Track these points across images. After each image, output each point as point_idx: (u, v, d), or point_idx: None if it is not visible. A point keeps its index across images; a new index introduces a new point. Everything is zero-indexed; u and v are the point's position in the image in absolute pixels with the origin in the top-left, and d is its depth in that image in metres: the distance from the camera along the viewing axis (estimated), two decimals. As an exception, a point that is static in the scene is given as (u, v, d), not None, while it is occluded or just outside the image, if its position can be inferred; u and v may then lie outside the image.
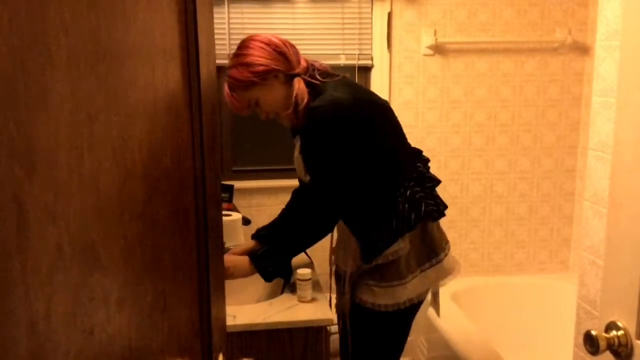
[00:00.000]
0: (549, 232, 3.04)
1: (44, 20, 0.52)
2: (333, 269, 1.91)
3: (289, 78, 1.65)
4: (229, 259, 1.70)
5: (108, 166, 0.64)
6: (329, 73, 1.71)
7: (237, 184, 2.50)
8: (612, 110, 1.22)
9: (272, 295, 1.86)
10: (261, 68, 1.61)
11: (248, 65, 1.61)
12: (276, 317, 1.61)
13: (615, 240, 1.10)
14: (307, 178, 1.70)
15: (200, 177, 0.95)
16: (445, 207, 1.75)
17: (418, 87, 2.79)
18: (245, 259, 1.70)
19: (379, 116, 1.67)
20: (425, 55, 2.76)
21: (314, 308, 1.68)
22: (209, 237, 0.99)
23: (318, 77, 1.66)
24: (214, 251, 1.03)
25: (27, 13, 0.49)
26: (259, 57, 1.61)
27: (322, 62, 1.78)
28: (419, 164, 1.73)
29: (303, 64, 1.67)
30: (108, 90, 0.64)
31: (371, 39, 2.76)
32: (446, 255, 1.74)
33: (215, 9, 2.56)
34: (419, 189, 1.66)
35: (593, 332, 1.09)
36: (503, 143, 2.91)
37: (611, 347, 1.09)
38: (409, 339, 2.84)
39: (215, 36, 2.30)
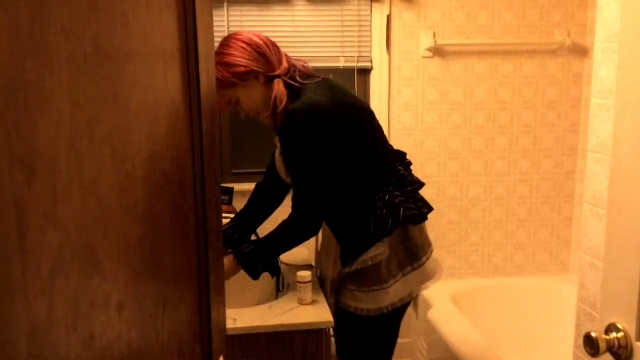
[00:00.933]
0: (549, 234, 3.04)
1: (44, 24, 0.52)
2: (318, 272, 1.91)
3: (269, 79, 1.63)
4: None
5: (108, 170, 0.64)
6: (310, 74, 1.70)
7: (237, 186, 2.50)
8: (611, 112, 1.22)
9: (271, 298, 1.86)
10: (241, 69, 1.59)
11: (228, 65, 1.59)
12: (276, 319, 1.60)
13: (614, 242, 1.10)
14: (288, 179, 1.70)
15: (199, 180, 0.95)
16: (429, 209, 1.74)
17: (417, 89, 2.79)
18: (229, 259, 1.70)
19: (358, 120, 1.66)
20: (424, 57, 2.77)
21: (314, 310, 1.68)
22: (209, 240, 0.99)
23: (298, 78, 1.64)
24: (213, 254, 1.03)
25: (27, 16, 0.49)
26: (239, 57, 1.60)
27: (310, 63, 1.78)
28: (400, 167, 1.72)
29: (284, 64, 1.65)
30: (107, 94, 0.64)
31: (370, 41, 2.76)
32: (428, 258, 1.74)
33: (214, 11, 2.56)
34: (398, 193, 1.65)
35: (593, 334, 1.09)
36: (502, 145, 2.91)
37: (611, 348, 1.09)
38: (408, 340, 2.86)
39: (214, 38, 2.30)
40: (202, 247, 0.98)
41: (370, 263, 1.63)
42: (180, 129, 0.88)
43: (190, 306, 0.95)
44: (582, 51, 2.85)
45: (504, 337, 2.73)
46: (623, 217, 1.07)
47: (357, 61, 2.76)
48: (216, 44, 1.64)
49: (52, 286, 0.52)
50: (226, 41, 1.64)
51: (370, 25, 2.75)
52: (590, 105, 1.28)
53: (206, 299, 1.00)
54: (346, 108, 1.63)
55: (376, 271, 1.65)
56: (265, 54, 1.63)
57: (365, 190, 1.65)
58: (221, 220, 1.11)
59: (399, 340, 1.88)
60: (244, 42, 1.62)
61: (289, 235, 1.67)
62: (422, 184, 1.75)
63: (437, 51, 2.76)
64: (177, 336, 0.89)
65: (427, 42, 2.72)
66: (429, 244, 1.77)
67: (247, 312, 1.64)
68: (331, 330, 1.76)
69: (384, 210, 1.62)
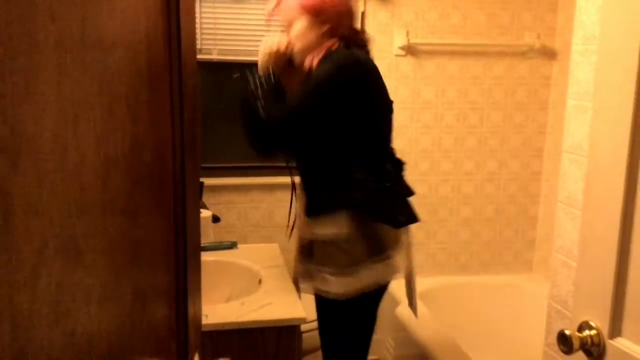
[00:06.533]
0: (514, 233, 3.09)
1: (31, 3, 0.50)
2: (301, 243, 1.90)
3: (330, 34, 1.69)
4: None
5: (91, 158, 0.62)
6: (365, 46, 1.77)
7: (206, 181, 2.46)
8: (587, 114, 1.24)
9: (243, 294, 1.84)
10: (322, 16, 1.67)
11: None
12: (248, 316, 1.58)
13: (589, 241, 1.12)
14: None
15: (179, 172, 0.93)
16: (409, 220, 1.78)
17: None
18: None
19: (383, 97, 1.74)
20: (397, 55, 2.77)
21: (287, 307, 1.67)
22: (188, 233, 0.97)
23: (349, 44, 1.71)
24: (191, 248, 1.00)
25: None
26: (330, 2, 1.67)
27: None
28: (392, 168, 1.76)
29: (350, 31, 1.72)
30: (93, 80, 0.62)
31: (344, 37, 2.75)
32: (396, 252, 1.75)
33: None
34: (373, 184, 1.68)
35: (567, 332, 1.10)
36: (471, 145, 2.94)
37: (584, 346, 1.11)
38: (375, 337, 2.87)
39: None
40: (181, 241, 0.96)
41: (332, 238, 1.66)
42: (162, 118, 0.86)
43: (167, 301, 0.92)
44: (551, 54, 2.90)
45: (470, 334, 2.77)
46: (598, 217, 1.09)
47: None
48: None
49: (36, 279, 0.50)
50: None
51: (344, 22, 2.74)
52: (566, 106, 1.30)
53: (183, 294, 0.98)
54: (380, 80, 1.71)
55: (345, 256, 1.67)
56: (347, 16, 1.71)
57: (351, 156, 1.68)
58: (199, 214, 1.08)
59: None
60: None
61: (267, 114, 1.65)
62: (411, 192, 1.79)
63: (410, 50, 2.77)
64: (155, 331, 0.87)
65: (400, 40, 2.73)
66: (397, 242, 1.77)
67: (219, 309, 1.62)
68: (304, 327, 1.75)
69: (354, 185, 1.66)
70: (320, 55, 1.67)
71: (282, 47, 1.71)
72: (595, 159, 1.09)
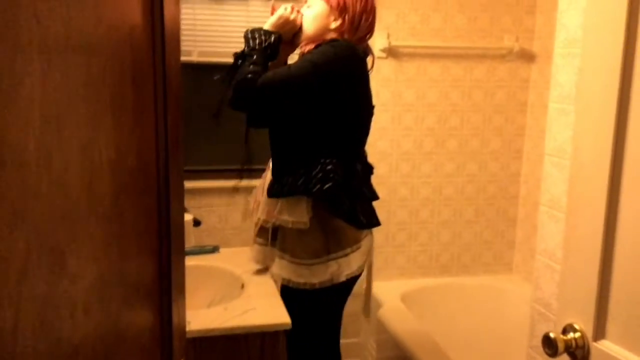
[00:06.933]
0: (494, 235, 3.11)
1: (15, 4, 0.48)
2: (259, 224, 1.90)
3: (338, 33, 1.73)
4: None
5: (76, 165, 0.60)
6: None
7: (187, 184, 2.44)
8: (569, 117, 1.25)
9: (226, 298, 1.82)
10: (342, 13, 1.72)
11: None
12: (232, 322, 1.57)
13: (572, 244, 1.13)
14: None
15: (164, 176, 0.91)
16: (370, 223, 1.79)
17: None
18: None
19: (367, 96, 1.77)
20: (378, 57, 2.77)
21: (271, 312, 1.65)
22: (172, 240, 0.95)
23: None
24: (175, 253, 0.99)
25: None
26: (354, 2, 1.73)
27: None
28: (358, 167, 1.78)
29: (363, 40, 1.79)
30: (77, 84, 0.60)
31: (325, 40, 2.75)
32: (353, 252, 1.76)
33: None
34: (339, 177, 1.69)
35: (552, 335, 1.11)
36: (452, 147, 2.96)
37: (568, 349, 1.11)
38: (357, 340, 2.87)
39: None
40: (165, 246, 0.94)
41: (290, 226, 1.68)
42: (146, 120, 0.84)
43: (151, 308, 0.91)
44: (529, 57, 2.93)
45: (452, 335, 2.78)
46: (582, 220, 1.09)
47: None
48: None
49: (20, 289, 0.48)
50: None
51: (325, 24, 2.74)
52: (548, 109, 1.31)
53: (167, 301, 0.96)
54: (369, 82, 1.75)
55: (305, 246, 1.69)
56: (365, 15, 1.75)
57: (324, 146, 1.70)
58: (183, 219, 1.06)
59: (348, 341, 1.88)
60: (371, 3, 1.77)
61: (251, 75, 1.64)
62: (376, 197, 1.82)
63: (391, 52, 2.78)
64: (139, 339, 0.85)
65: (381, 42, 2.73)
66: (357, 242, 1.78)
67: (201, 314, 1.60)
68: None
69: (319, 174, 1.66)
70: (313, 45, 1.71)
71: (299, 20, 1.74)
72: (578, 162, 1.10)
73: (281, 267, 1.72)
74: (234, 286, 1.88)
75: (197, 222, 2.34)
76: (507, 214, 3.10)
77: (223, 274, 1.98)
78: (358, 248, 1.77)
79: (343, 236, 1.72)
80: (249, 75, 1.61)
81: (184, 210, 1.07)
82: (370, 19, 1.77)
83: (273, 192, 1.74)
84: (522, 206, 3.07)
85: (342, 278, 1.74)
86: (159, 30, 0.86)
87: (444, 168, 2.97)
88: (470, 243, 3.09)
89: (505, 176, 3.05)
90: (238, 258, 2.10)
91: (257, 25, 2.69)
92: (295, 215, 1.68)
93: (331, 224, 1.71)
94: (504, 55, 2.90)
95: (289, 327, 1.61)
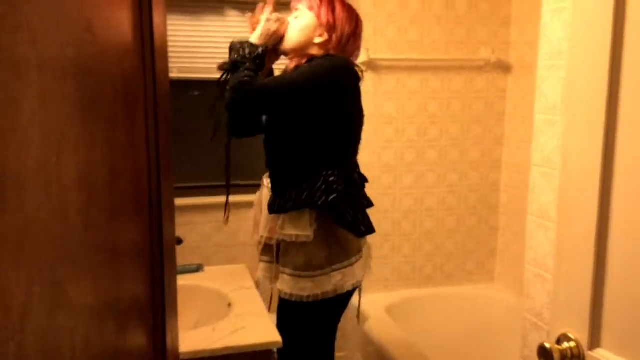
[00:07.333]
0: (475, 244, 3.13)
1: (13, 30, 0.46)
2: (262, 242, 1.87)
3: (324, 48, 1.75)
4: None
5: (74, 190, 0.58)
6: None
7: (176, 201, 2.40)
8: (555, 127, 1.26)
9: (212, 319, 1.79)
10: (330, 22, 1.75)
11: (333, 10, 1.76)
12: (221, 342, 1.54)
13: (564, 253, 1.13)
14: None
15: (156, 198, 0.89)
16: (368, 230, 1.80)
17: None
18: None
19: (359, 110, 1.81)
20: (357, 71, 2.78)
21: (261, 331, 1.63)
22: (165, 258, 0.93)
23: None
24: (168, 272, 0.96)
25: None
26: (341, 19, 1.77)
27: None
28: (356, 176, 1.80)
29: (351, 56, 1.82)
30: (74, 106, 0.58)
31: (304, 54, 2.75)
32: (357, 260, 1.76)
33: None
34: (341, 187, 1.70)
35: (547, 345, 1.11)
36: (433, 158, 2.98)
37: (564, 359, 1.11)
38: (343, 354, 2.84)
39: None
40: (158, 267, 0.92)
41: (294, 240, 1.67)
42: (138, 141, 0.82)
43: (145, 331, 0.88)
44: (505, 68, 2.97)
45: (438, 345, 2.78)
46: (573, 229, 1.10)
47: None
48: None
49: (23, 324, 0.46)
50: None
51: (304, 38, 2.74)
52: (534, 121, 1.32)
53: (162, 322, 0.94)
54: (358, 93, 1.78)
55: (308, 259, 1.68)
56: (353, 37, 1.81)
57: (324, 157, 1.71)
58: (174, 242, 1.04)
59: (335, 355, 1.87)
60: (358, 19, 1.83)
61: (248, 81, 1.62)
62: (371, 204, 1.83)
63: (370, 65, 2.79)
64: (136, 368, 0.83)
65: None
66: (360, 250, 1.79)
67: (189, 336, 1.56)
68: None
69: (323, 186, 1.67)
70: (303, 61, 1.70)
71: (282, 30, 1.75)
72: (568, 172, 1.11)
73: (283, 282, 1.70)
74: (220, 305, 1.84)
75: (179, 241, 2.30)
76: (488, 222, 3.12)
77: (209, 293, 1.95)
78: (361, 257, 1.78)
79: (348, 246, 1.73)
80: (246, 78, 1.61)
81: (175, 229, 1.05)
82: (357, 42, 1.81)
83: (276, 208, 1.72)
84: (503, 215, 3.10)
85: (347, 288, 1.74)
86: (149, 50, 0.84)
87: (425, 179, 2.99)
88: (452, 253, 3.10)
89: (485, 185, 3.08)
90: (223, 276, 2.07)
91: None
92: (299, 228, 1.67)
93: (335, 235, 1.71)
94: (481, 67, 2.93)
95: (280, 345, 1.59)
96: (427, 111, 2.92)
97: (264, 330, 1.62)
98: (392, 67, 2.83)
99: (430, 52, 2.87)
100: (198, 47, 2.67)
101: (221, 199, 2.73)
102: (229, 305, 1.81)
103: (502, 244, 3.11)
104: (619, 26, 0.96)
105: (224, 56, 2.64)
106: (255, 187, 2.04)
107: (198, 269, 2.13)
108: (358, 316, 2.02)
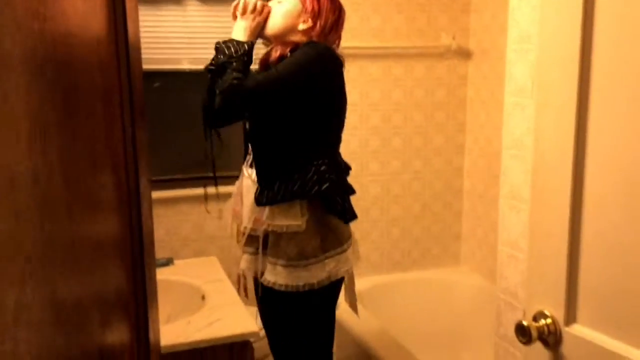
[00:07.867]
0: (441, 228, 3.18)
1: None
2: (246, 233, 1.83)
3: (307, 35, 1.72)
4: None
5: (59, 185, 0.56)
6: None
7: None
8: (526, 110, 1.29)
9: (185, 312, 1.76)
10: (315, 8, 1.72)
11: None
12: (197, 335, 1.52)
13: (538, 232, 1.16)
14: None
15: (134, 188, 0.87)
16: (352, 217, 1.81)
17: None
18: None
19: (343, 96, 1.77)
20: (321, 59, 2.77)
21: (237, 322, 1.62)
22: (145, 250, 0.91)
23: None
24: (148, 263, 0.95)
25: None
26: (325, 7, 1.74)
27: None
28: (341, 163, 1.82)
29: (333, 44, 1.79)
30: (56, 99, 0.56)
31: (267, 43, 2.72)
32: (349, 247, 1.77)
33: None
34: (334, 177, 1.70)
35: (524, 323, 1.14)
36: (397, 145, 3.00)
37: (541, 335, 1.14)
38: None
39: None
40: (138, 259, 0.90)
41: (285, 230, 1.65)
42: (116, 138, 0.80)
43: (128, 324, 0.86)
44: (466, 54, 3.01)
45: (408, 329, 2.81)
46: (547, 208, 1.13)
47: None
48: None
49: (17, 325, 0.44)
50: None
51: (266, 27, 2.71)
52: (504, 104, 1.34)
53: (144, 314, 0.92)
54: (342, 79, 1.74)
55: (300, 248, 1.66)
56: (336, 26, 1.78)
57: (311, 145, 1.69)
58: (153, 231, 1.02)
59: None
60: (341, 8, 1.81)
61: (238, 80, 1.61)
62: (354, 190, 1.83)
63: (334, 54, 2.78)
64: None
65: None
66: (350, 235, 1.80)
67: (164, 330, 1.53)
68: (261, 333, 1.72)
69: (315, 176, 1.66)
70: (287, 49, 1.69)
71: (264, 15, 1.73)
72: (540, 153, 1.13)
73: (276, 274, 1.67)
74: (194, 298, 1.82)
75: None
76: (453, 207, 3.17)
77: (181, 286, 1.92)
78: (351, 243, 1.78)
79: (340, 233, 1.73)
80: (235, 81, 1.57)
81: (152, 221, 1.02)
82: (339, 31, 1.80)
83: (266, 200, 1.67)
84: (467, 199, 3.15)
85: (341, 274, 1.74)
86: (122, 43, 0.82)
87: (390, 166, 3.01)
88: (419, 238, 3.14)
89: (449, 171, 3.12)
90: (194, 269, 2.04)
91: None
92: (290, 218, 1.65)
93: (327, 223, 1.70)
94: (442, 54, 2.96)
95: (257, 335, 1.58)
96: (390, 98, 2.94)
97: (240, 321, 1.61)
98: (355, 55, 2.83)
99: (392, 40, 2.88)
100: (157, 38, 2.61)
101: (185, 191, 2.70)
102: (203, 297, 1.79)
103: (466, 228, 3.17)
104: (589, 7, 0.98)
105: (183, 48, 2.60)
106: (222, 179, 2.01)
107: (168, 262, 2.09)
108: (353, 303, 2.00)
